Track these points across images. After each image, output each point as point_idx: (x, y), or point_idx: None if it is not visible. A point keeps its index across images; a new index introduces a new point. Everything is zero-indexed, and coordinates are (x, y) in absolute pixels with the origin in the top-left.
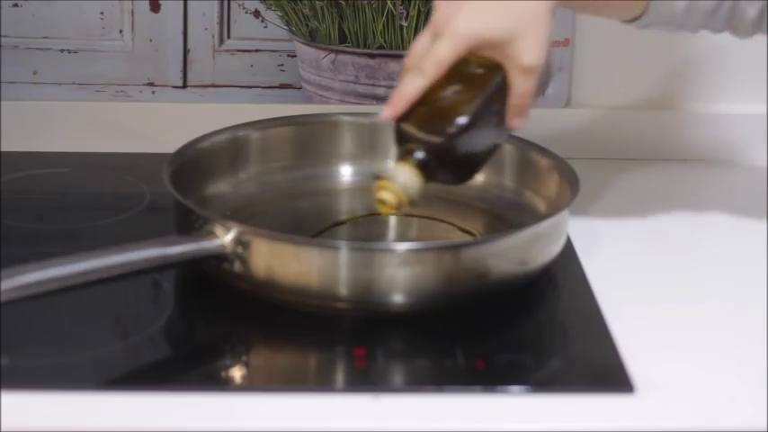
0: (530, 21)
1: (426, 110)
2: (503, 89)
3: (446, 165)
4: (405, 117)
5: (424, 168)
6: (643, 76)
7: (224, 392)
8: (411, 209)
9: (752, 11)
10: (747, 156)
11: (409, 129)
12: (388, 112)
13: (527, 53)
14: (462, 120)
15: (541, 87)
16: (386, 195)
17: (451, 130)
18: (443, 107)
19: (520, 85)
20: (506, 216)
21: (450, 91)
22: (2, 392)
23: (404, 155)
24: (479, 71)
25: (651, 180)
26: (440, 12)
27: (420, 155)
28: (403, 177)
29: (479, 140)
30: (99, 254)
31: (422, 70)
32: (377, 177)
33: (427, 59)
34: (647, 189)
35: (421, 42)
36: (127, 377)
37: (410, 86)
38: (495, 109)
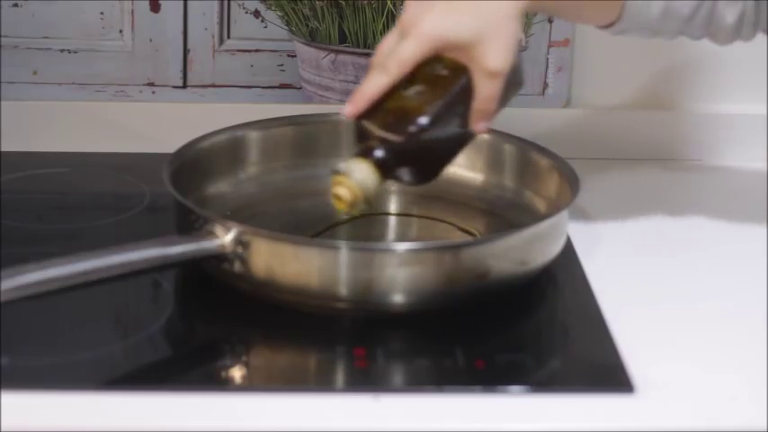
0: (497, 24)
1: (388, 108)
2: (467, 92)
3: (405, 164)
4: (366, 115)
5: (383, 167)
6: (643, 76)
7: (224, 392)
8: (410, 209)
9: (730, 16)
10: (747, 156)
11: (369, 126)
12: (349, 110)
13: (492, 57)
14: (423, 120)
15: (509, 92)
16: (341, 191)
17: (411, 129)
18: (405, 106)
19: (484, 89)
20: (506, 216)
21: (413, 91)
22: (2, 392)
23: (363, 152)
24: (444, 72)
25: (651, 180)
26: (408, 11)
27: (379, 153)
28: (360, 174)
29: (440, 142)
30: (99, 254)
31: (386, 69)
32: (334, 172)
33: (392, 58)
34: (646, 189)
35: (388, 41)
36: (127, 377)
37: (373, 84)
38: (459, 111)
